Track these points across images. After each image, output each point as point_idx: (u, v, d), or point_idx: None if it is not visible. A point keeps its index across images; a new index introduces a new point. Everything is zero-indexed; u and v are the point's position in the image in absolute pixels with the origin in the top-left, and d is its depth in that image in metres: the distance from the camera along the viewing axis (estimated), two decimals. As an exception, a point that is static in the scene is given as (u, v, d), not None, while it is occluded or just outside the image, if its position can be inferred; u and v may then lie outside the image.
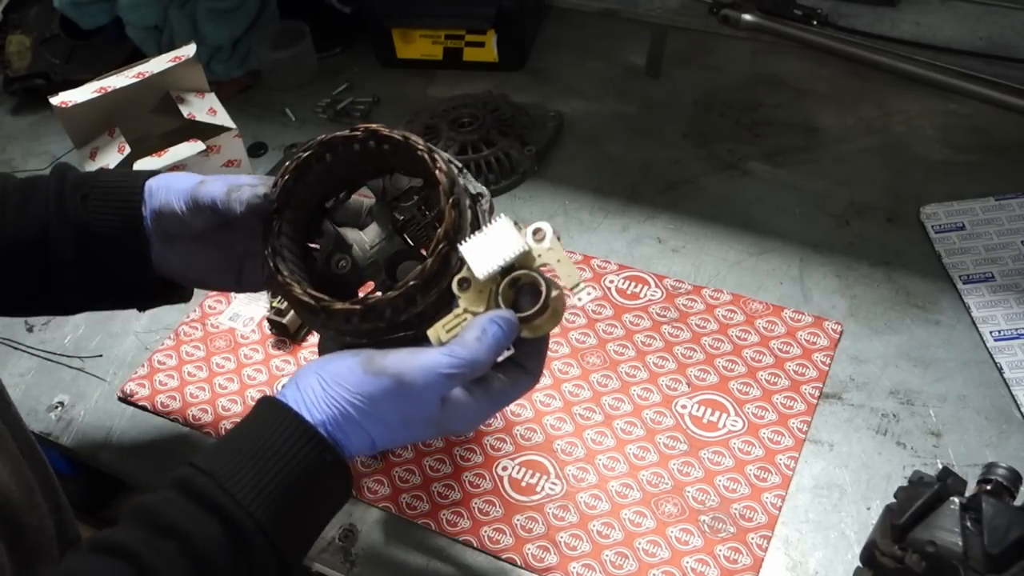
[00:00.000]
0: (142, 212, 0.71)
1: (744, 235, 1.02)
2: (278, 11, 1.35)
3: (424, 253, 0.68)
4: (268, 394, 0.63)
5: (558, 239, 0.63)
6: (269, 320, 0.96)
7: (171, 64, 1.09)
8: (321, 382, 0.60)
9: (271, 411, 0.59)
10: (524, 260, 0.62)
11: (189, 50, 1.10)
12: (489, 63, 1.30)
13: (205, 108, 1.11)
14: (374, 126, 0.68)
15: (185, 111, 1.10)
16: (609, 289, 0.97)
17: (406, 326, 0.64)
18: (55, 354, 1.00)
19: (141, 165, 1.05)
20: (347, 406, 0.59)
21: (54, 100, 1.06)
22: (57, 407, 0.95)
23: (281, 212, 0.69)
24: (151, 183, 0.72)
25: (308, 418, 0.59)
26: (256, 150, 1.22)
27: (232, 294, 1.02)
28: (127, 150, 1.06)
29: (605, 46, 1.33)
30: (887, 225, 1.01)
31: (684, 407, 0.86)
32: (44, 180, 0.73)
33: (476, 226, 0.65)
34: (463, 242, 0.62)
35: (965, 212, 0.99)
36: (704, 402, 0.86)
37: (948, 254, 0.95)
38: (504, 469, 0.83)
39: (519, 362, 0.63)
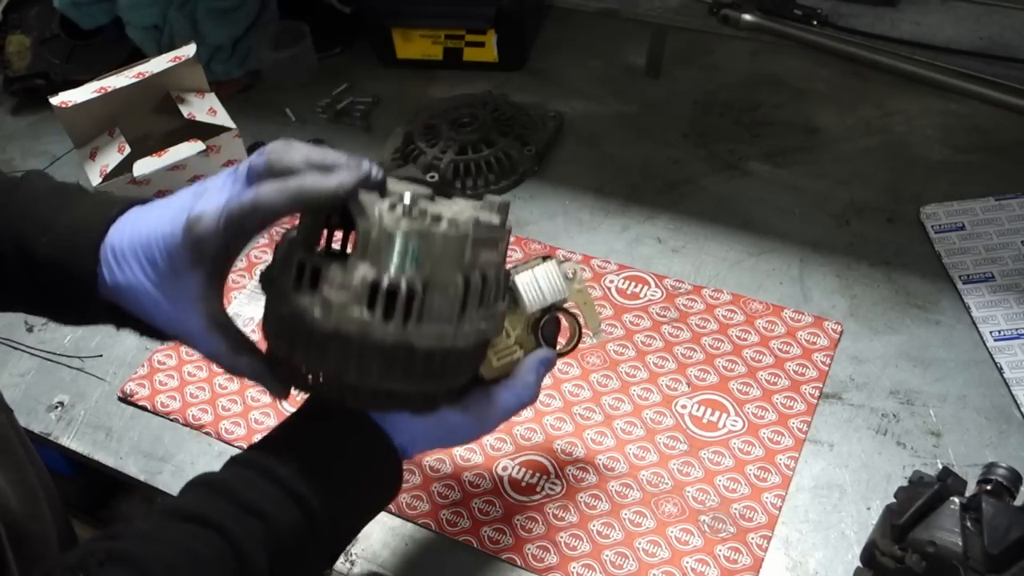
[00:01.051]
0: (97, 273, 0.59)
1: (744, 235, 1.02)
2: (278, 11, 1.35)
3: None
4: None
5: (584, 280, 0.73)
6: (269, 320, 0.96)
7: (171, 64, 1.09)
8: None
9: (353, 421, 0.60)
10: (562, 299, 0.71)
11: (189, 50, 1.10)
12: (489, 63, 1.30)
13: (205, 108, 1.11)
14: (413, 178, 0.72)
15: (185, 111, 1.10)
16: (609, 289, 0.97)
17: None
18: (55, 354, 1.00)
19: (141, 165, 1.05)
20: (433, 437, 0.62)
21: (54, 100, 1.06)
22: (57, 407, 0.95)
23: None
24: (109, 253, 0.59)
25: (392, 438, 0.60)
26: (256, 150, 1.22)
27: (232, 295, 1.02)
28: (127, 150, 1.06)
29: (605, 46, 1.33)
30: (887, 225, 1.01)
31: (684, 407, 0.86)
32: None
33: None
34: (515, 275, 0.69)
35: (965, 212, 0.99)
36: (704, 402, 0.86)
37: (948, 254, 0.95)
38: (504, 469, 0.83)
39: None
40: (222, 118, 1.10)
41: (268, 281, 0.60)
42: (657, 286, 0.97)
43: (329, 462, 0.58)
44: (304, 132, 1.24)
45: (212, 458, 0.88)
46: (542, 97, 1.25)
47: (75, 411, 0.94)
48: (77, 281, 0.59)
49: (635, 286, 0.97)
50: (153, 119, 1.13)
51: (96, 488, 1.31)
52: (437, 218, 0.54)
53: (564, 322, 0.72)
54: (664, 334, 0.92)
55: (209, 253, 0.57)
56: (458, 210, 0.58)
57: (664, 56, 1.26)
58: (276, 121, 1.28)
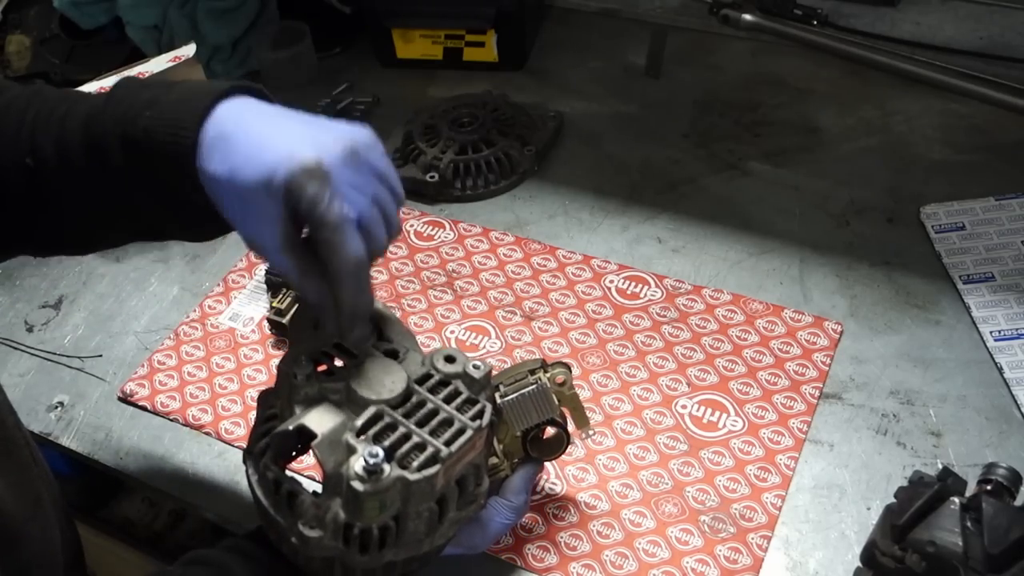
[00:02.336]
0: (193, 167, 0.59)
1: (744, 235, 1.02)
2: (278, 11, 1.35)
3: None
4: None
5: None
6: (269, 320, 0.96)
7: (171, 64, 1.09)
8: None
9: None
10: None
11: (189, 50, 1.10)
12: (489, 63, 1.30)
13: (205, 108, 1.11)
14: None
15: (185, 111, 1.09)
16: (609, 289, 0.97)
17: None
18: (55, 354, 1.00)
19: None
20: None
21: (54, 100, 1.06)
22: (57, 407, 0.95)
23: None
24: (217, 125, 0.58)
25: None
26: (256, 150, 1.22)
27: (232, 295, 1.02)
28: (127, 150, 1.06)
29: (605, 46, 1.33)
30: (887, 225, 1.01)
31: (684, 407, 0.86)
32: (78, 110, 0.63)
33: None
34: (504, 399, 0.71)
35: (965, 212, 0.99)
36: (704, 402, 0.86)
37: (948, 254, 0.95)
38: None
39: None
40: (222, 118, 1.10)
41: (250, 460, 0.61)
42: (657, 286, 0.97)
43: None
44: (304, 132, 1.24)
45: (212, 458, 0.88)
46: (542, 97, 1.25)
47: (75, 411, 0.94)
48: (175, 156, 0.58)
49: (635, 286, 0.97)
50: (153, 119, 1.13)
51: (96, 488, 1.31)
52: (405, 464, 0.55)
53: (551, 429, 0.74)
54: (664, 334, 0.92)
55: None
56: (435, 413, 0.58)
57: (664, 56, 1.26)
58: (276, 121, 1.27)
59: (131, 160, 0.60)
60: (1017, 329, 0.87)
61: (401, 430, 0.56)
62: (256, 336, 0.98)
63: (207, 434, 0.90)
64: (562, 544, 0.77)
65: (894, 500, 0.68)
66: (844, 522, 0.76)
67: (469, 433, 0.57)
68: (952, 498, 0.65)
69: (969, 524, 0.63)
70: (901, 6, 1.19)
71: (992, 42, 1.16)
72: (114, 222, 0.65)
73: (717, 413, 0.85)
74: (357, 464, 0.53)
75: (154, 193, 0.61)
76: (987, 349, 0.87)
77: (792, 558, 0.75)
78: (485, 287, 0.99)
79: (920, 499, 0.65)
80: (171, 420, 0.92)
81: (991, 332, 0.88)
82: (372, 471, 0.53)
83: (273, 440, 0.58)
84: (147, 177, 0.60)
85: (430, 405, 0.58)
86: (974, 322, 0.89)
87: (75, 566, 0.69)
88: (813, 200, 1.05)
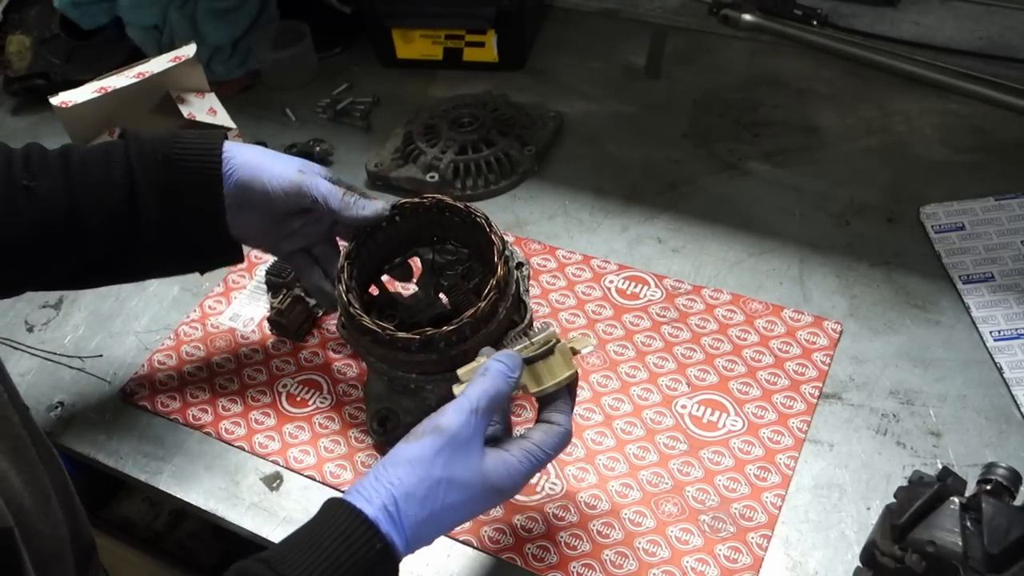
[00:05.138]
0: (220, 174, 0.78)
1: (744, 235, 1.02)
2: (278, 11, 1.35)
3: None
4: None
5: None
6: (270, 320, 0.96)
7: (171, 64, 1.09)
8: (375, 473, 0.64)
9: (328, 506, 0.63)
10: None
11: (189, 50, 1.10)
12: (489, 63, 1.30)
13: (205, 108, 1.11)
14: (439, 196, 0.83)
15: (185, 111, 1.10)
16: (609, 289, 0.97)
17: (452, 362, 0.76)
18: (55, 354, 1.00)
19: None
20: (396, 480, 0.63)
21: (54, 100, 1.06)
22: (57, 407, 0.95)
23: (353, 260, 0.82)
24: (230, 152, 0.79)
25: (363, 508, 0.62)
26: (256, 150, 1.22)
27: (232, 295, 1.02)
28: (127, 150, 1.06)
29: (605, 46, 1.33)
30: (887, 225, 1.01)
31: (684, 407, 0.86)
32: (118, 145, 0.78)
33: (516, 288, 0.82)
34: (525, 360, 0.70)
35: (965, 212, 0.99)
36: (704, 402, 0.86)
37: (948, 254, 0.95)
38: (504, 469, 0.83)
39: (546, 419, 0.70)
40: (222, 118, 1.10)
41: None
42: (657, 286, 0.97)
43: (306, 548, 0.60)
44: (304, 132, 1.24)
45: (212, 458, 0.88)
46: (542, 97, 1.25)
47: (75, 411, 0.94)
48: (206, 179, 0.78)
49: (635, 286, 0.97)
50: (153, 119, 1.13)
51: (96, 488, 1.31)
52: None
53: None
54: (664, 334, 0.92)
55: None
56: None
57: (664, 56, 1.26)
58: (276, 121, 1.28)
59: (162, 192, 0.77)
60: (1017, 329, 0.87)
61: None
62: (256, 336, 0.98)
63: (207, 434, 0.90)
64: (562, 544, 0.77)
65: (894, 500, 0.68)
66: (844, 522, 0.76)
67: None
68: (952, 498, 0.65)
69: (969, 524, 0.63)
70: (901, 6, 1.20)
71: (992, 42, 1.16)
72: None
73: (717, 413, 0.85)
74: None
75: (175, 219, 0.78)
76: (987, 349, 0.87)
77: (792, 558, 0.75)
78: (485, 287, 0.99)
79: (920, 499, 0.65)
80: (171, 420, 0.92)
81: (991, 332, 0.88)
82: None
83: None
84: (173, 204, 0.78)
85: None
86: (974, 322, 0.89)
87: (87, 563, 0.69)
88: (813, 200, 1.05)
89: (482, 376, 0.67)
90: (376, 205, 0.81)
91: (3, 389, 0.61)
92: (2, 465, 0.56)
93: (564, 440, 0.69)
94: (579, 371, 0.73)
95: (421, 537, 0.64)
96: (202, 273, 0.86)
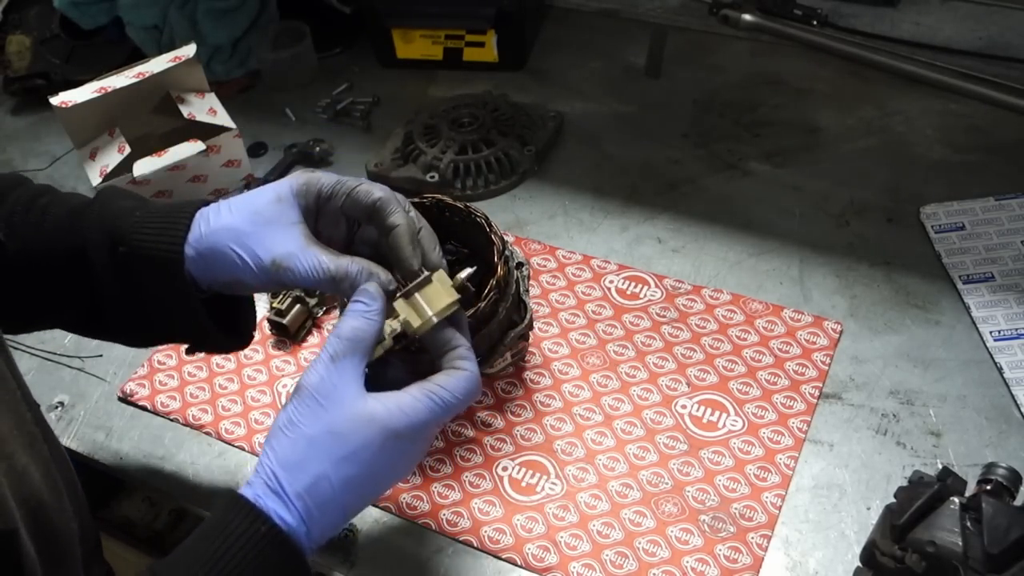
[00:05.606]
0: (183, 272, 0.66)
1: (744, 235, 1.02)
2: (278, 11, 1.35)
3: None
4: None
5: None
6: (269, 320, 0.96)
7: (171, 64, 1.09)
8: (261, 455, 0.60)
9: (216, 503, 0.60)
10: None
11: (189, 50, 1.10)
12: (489, 63, 1.30)
13: (205, 108, 1.11)
14: (440, 196, 0.82)
15: (185, 111, 1.10)
16: (609, 289, 0.97)
17: None
18: (55, 354, 1.00)
19: (141, 165, 1.05)
20: (270, 451, 0.58)
21: (54, 100, 1.06)
22: (57, 407, 0.95)
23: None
24: (192, 245, 0.66)
25: (243, 492, 0.58)
26: (256, 150, 1.22)
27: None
28: (127, 150, 1.06)
29: (605, 46, 1.33)
30: (887, 225, 1.01)
31: (684, 407, 0.86)
32: (79, 226, 0.69)
33: (516, 288, 0.82)
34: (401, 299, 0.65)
35: (965, 212, 0.99)
36: (704, 402, 0.86)
37: (948, 254, 0.95)
38: (504, 469, 0.83)
39: (447, 365, 0.63)
40: (222, 118, 1.10)
41: None
42: (657, 286, 0.97)
43: (194, 548, 0.57)
44: (304, 132, 1.24)
45: (212, 458, 0.88)
46: (542, 97, 1.25)
47: (75, 411, 0.94)
48: (172, 239, 0.66)
49: (635, 286, 0.97)
50: (153, 119, 1.13)
51: (96, 488, 1.31)
52: None
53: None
54: (664, 334, 0.92)
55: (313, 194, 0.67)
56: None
57: (664, 56, 1.26)
58: (276, 121, 1.28)
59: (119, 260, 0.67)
60: (1017, 329, 0.87)
61: None
62: (256, 336, 0.98)
63: (207, 434, 0.90)
64: (562, 544, 0.77)
65: (894, 500, 0.68)
66: (844, 522, 0.76)
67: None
68: (952, 498, 0.65)
69: (969, 524, 0.63)
70: (901, 6, 1.20)
71: (992, 42, 1.16)
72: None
73: (717, 413, 0.85)
74: None
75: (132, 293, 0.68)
76: (987, 349, 0.87)
77: (792, 558, 0.75)
78: (485, 287, 0.99)
79: (920, 499, 0.65)
80: (171, 420, 0.92)
81: (991, 332, 0.88)
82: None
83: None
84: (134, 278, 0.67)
85: None
86: (974, 322, 0.89)
87: (93, 559, 0.69)
88: (813, 200, 1.05)
89: (339, 319, 0.62)
90: (376, 279, 0.65)
91: (16, 387, 0.61)
92: (23, 460, 0.56)
93: (471, 384, 0.62)
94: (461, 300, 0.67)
95: (325, 508, 0.58)
96: (191, 353, 0.75)
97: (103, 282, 0.67)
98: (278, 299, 0.95)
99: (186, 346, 0.73)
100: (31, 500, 0.55)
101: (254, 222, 0.65)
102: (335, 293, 0.69)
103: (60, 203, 0.71)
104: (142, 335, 0.74)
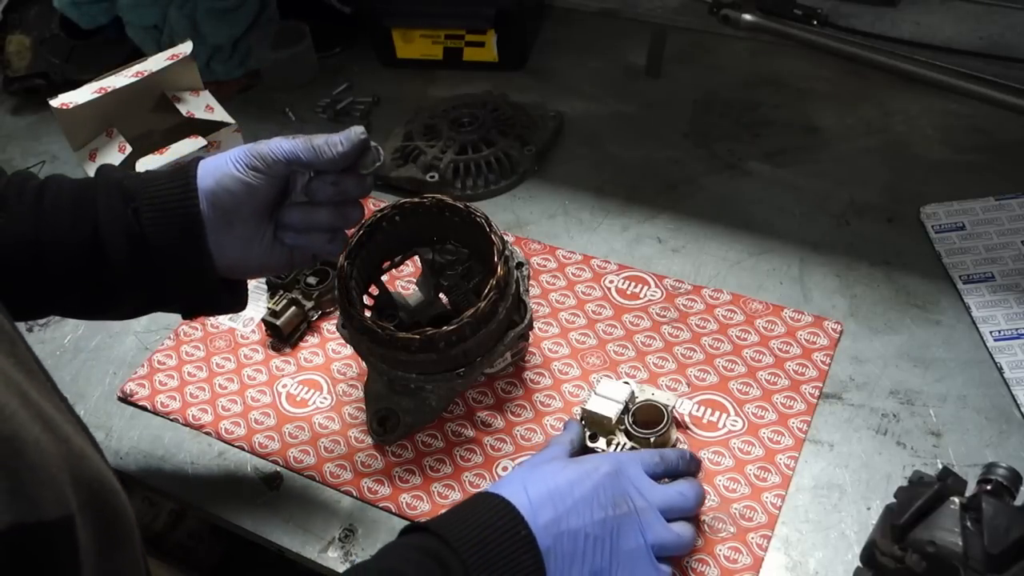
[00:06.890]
0: (199, 209, 0.71)
1: (744, 235, 1.02)
2: (278, 11, 1.35)
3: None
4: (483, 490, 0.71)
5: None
6: (264, 321, 0.96)
7: (169, 63, 1.09)
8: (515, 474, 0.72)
9: (478, 496, 0.69)
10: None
11: (185, 48, 1.10)
12: (489, 63, 1.30)
13: (202, 105, 1.11)
14: (439, 196, 0.82)
15: (183, 109, 1.09)
16: (609, 289, 0.97)
17: (453, 362, 0.79)
18: (55, 354, 1.00)
19: (144, 163, 1.05)
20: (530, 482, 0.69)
21: (53, 102, 1.05)
22: (57, 407, 0.95)
23: (353, 260, 0.81)
24: (201, 168, 0.72)
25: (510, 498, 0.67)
26: (256, 150, 1.22)
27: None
28: (128, 150, 1.06)
29: (605, 46, 1.33)
30: (887, 225, 1.01)
31: (684, 407, 0.86)
32: (93, 186, 0.73)
33: (516, 288, 0.82)
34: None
35: (965, 212, 0.99)
36: (704, 402, 0.86)
37: (948, 254, 0.95)
38: (504, 469, 0.83)
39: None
40: (220, 114, 1.10)
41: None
42: (657, 286, 0.97)
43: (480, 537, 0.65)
44: (304, 132, 1.23)
45: (212, 458, 0.88)
46: (542, 97, 1.25)
47: (75, 411, 0.94)
48: (183, 219, 0.71)
49: (635, 286, 0.97)
50: (153, 117, 1.13)
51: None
52: None
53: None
54: (664, 334, 0.92)
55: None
56: None
57: (664, 56, 1.26)
58: (276, 121, 1.28)
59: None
60: (1017, 329, 0.87)
61: None
62: (256, 336, 0.98)
63: (207, 434, 0.90)
64: (562, 544, 0.77)
65: (894, 500, 0.68)
66: (844, 522, 0.76)
67: None
68: (952, 498, 0.65)
69: (969, 524, 0.63)
70: (901, 6, 1.19)
71: (992, 42, 1.16)
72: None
73: (717, 413, 0.85)
74: None
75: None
76: (987, 349, 0.87)
77: (792, 558, 0.75)
78: (485, 287, 0.99)
79: (920, 499, 0.65)
80: (171, 420, 0.92)
81: (991, 332, 0.88)
82: None
83: None
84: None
85: None
86: (974, 322, 0.89)
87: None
88: (813, 200, 1.05)
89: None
90: (349, 133, 0.72)
91: (45, 379, 0.62)
92: (79, 442, 0.56)
93: (691, 462, 0.77)
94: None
95: (558, 537, 0.66)
96: (191, 318, 0.82)
97: (115, 246, 0.71)
98: (273, 300, 0.95)
99: (181, 313, 0.78)
100: (94, 482, 0.54)
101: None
102: (316, 161, 0.73)
103: (54, 184, 0.74)
104: (148, 296, 0.75)
